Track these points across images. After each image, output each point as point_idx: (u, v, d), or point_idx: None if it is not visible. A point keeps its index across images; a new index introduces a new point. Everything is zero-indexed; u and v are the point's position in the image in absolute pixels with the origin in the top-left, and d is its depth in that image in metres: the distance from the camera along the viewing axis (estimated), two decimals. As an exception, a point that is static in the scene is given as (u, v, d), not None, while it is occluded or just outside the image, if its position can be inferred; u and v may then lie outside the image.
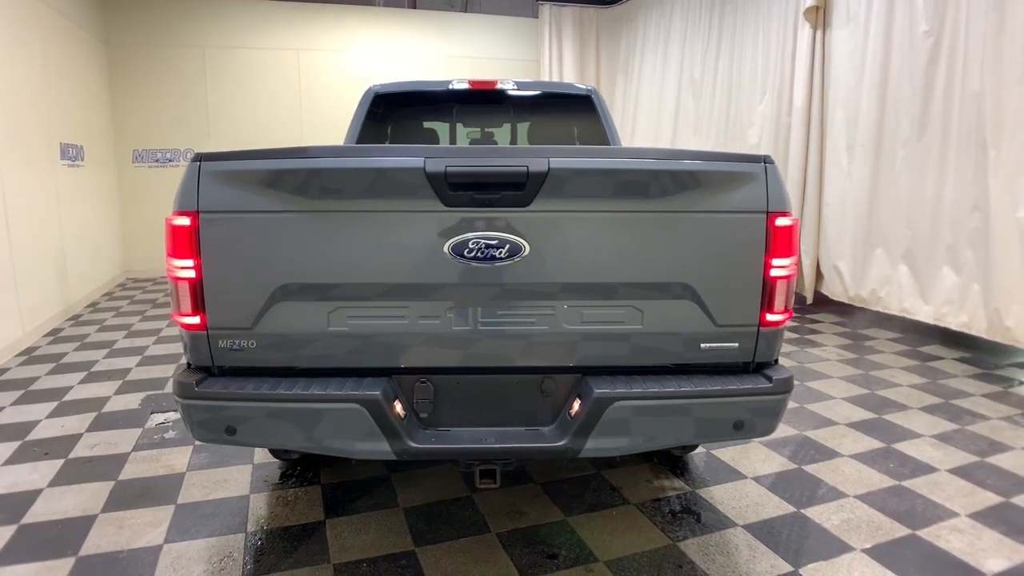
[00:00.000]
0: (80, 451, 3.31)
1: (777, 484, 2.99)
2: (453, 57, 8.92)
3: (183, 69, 8.03)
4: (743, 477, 3.06)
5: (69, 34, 6.58)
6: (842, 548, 2.50)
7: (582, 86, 4.17)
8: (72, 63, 6.68)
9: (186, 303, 1.96)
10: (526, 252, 1.95)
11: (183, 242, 1.93)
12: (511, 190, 1.91)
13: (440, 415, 2.10)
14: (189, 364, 2.10)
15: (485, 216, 1.93)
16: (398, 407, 2.00)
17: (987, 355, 4.96)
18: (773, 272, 2.07)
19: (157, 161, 8.05)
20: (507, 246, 1.94)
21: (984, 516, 2.72)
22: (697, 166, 2.01)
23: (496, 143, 4.29)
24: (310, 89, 8.52)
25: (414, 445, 1.97)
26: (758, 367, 2.18)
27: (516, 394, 2.13)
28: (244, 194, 1.92)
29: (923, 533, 2.61)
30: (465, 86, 3.97)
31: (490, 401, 2.14)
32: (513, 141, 4.24)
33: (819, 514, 2.74)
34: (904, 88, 5.11)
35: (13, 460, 3.21)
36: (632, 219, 2.00)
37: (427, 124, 4.28)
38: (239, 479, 3.01)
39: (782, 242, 2.06)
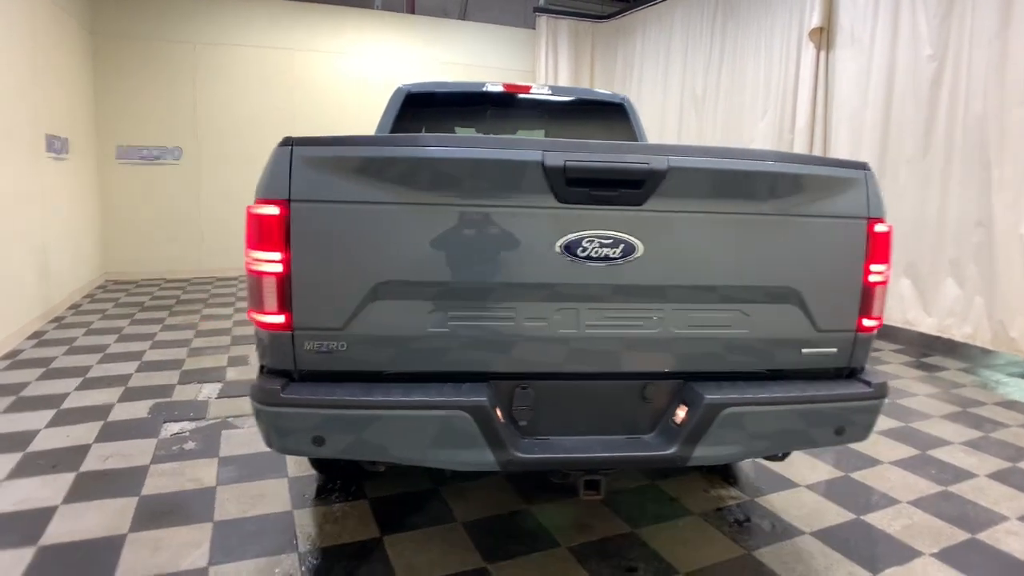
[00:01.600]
0: (92, 463, 3.06)
1: (830, 491, 2.98)
2: (449, 64, 8.84)
3: (172, 64, 7.70)
4: (796, 485, 3.03)
5: (56, 20, 6.23)
6: (912, 553, 2.50)
7: (615, 94, 4.15)
8: (59, 50, 6.33)
9: (271, 300, 1.80)
10: (639, 253, 1.88)
11: (271, 233, 1.77)
12: (628, 188, 1.84)
13: (539, 423, 1.99)
14: (263, 367, 1.94)
15: (600, 214, 1.85)
16: (499, 414, 1.90)
17: (987, 365, 5.11)
18: (871, 278, 2.06)
19: (142, 158, 7.68)
20: (622, 246, 1.86)
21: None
22: (807, 170, 1.99)
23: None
24: (304, 90, 8.30)
25: (520, 455, 1.86)
26: (851, 372, 2.16)
27: (617, 401, 2.05)
28: (341, 182, 1.78)
29: (982, 537, 2.63)
30: (499, 89, 3.91)
31: (590, 408, 2.04)
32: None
33: (879, 520, 2.74)
34: (908, 109, 5.27)
35: (17, 474, 2.94)
36: (743, 221, 1.96)
37: (459, 126, 4.19)
38: (277, 494, 2.82)
39: (880, 248, 2.06)
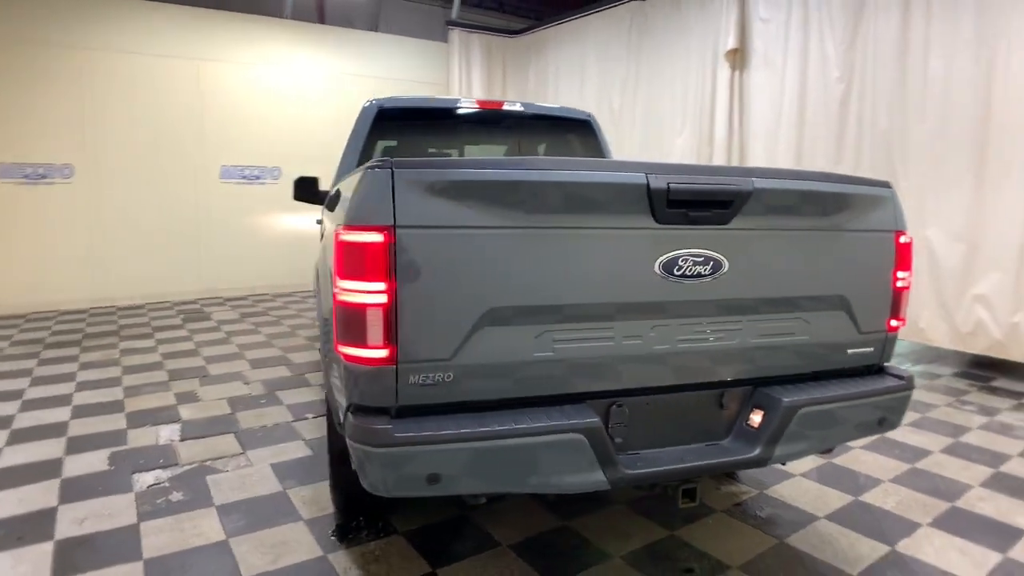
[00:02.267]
0: (67, 529, 2.68)
1: (823, 477, 3.23)
2: (362, 76, 8.59)
3: (57, 71, 6.84)
4: (792, 475, 3.26)
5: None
6: (912, 525, 2.78)
7: (581, 111, 4.27)
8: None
9: (375, 334, 1.70)
10: (725, 269, 1.97)
11: (375, 262, 1.68)
12: (719, 208, 1.94)
13: (631, 438, 2.02)
14: (351, 406, 1.81)
15: (694, 233, 1.93)
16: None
17: (899, 354, 5.73)
18: (899, 283, 2.30)
19: (26, 176, 6.76)
20: (711, 263, 1.95)
21: (989, 485, 3.17)
22: (853, 189, 2.19)
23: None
24: (213, 103, 7.72)
25: (627, 472, 1.88)
26: (880, 369, 2.38)
27: (697, 410, 2.12)
28: (446, 207, 1.72)
29: (960, 504, 2.97)
30: (473, 105, 3.90)
31: (674, 420, 2.10)
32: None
33: (875, 499, 3.01)
34: (819, 126, 5.82)
35: (-26, 552, 2.53)
36: (805, 236, 2.12)
37: (432, 143, 4.12)
38: (299, 539, 2.63)
39: (905, 257, 2.30)
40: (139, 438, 3.61)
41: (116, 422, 3.83)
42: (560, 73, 8.82)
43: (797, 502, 2.98)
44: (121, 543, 2.58)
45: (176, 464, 3.29)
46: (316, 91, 8.41)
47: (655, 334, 1.95)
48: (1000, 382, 4.92)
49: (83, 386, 4.48)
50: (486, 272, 1.77)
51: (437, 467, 1.71)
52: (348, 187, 1.98)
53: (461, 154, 4.19)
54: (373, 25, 9.14)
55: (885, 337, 2.33)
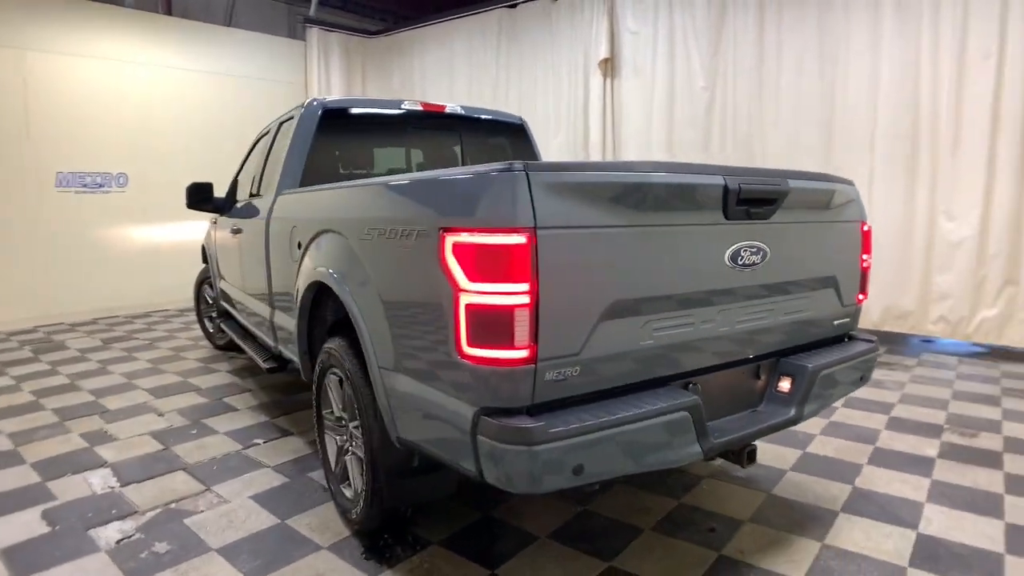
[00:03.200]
0: (39, 605, 2.27)
1: (771, 438, 3.69)
2: (215, 75, 7.86)
3: None
4: (745, 439, 3.69)
5: None
6: (857, 466, 3.29)
7: (515, 115, 4.40)
8: None
9: (521, 334, 1.71)
10: (769, 257, 2.25)
11: (520, 263, 1.69)
12: (767, 205, 2.21)
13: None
14: (484, 409, 1.78)
15: (749, 227, 2.18)
16: None
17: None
18: (864, 264, 2.76)
19: None
20: (761, 253, 2.21)
21: (891, 428, 3.85)
22: (840, 188, 2.58)
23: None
24: (42, 100, 6.56)
25: (713, 441, 2.07)
26: (850, 336, 2.83)
27: (741, 383, 2.38)
28: (575, 208, 1.79)
29: (880, 445, 3.58)
30: (418, 108, 3.86)
31: (726, 393, 2.33)
32: (462, 164, 4.20)
33: (818, 448, 3.53)
34: (687, 130, 6.52)
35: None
36: (812, 227, 2.47)
37: (377, 144, 3.97)
38: (334, 568, 2.45)
39: (868, 242, 2.77)
40: (67, 490, 3.07)
41: (24, 476, 3.21)
42: (427, 76, 8.82)
43: (763, 460, 3.39)
44: (124, 609, 2.24)
45: (136, 512, 2.87)
46: (163, 89, 7.55)
47: (721, 317, 2.17)
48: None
49: (-51, 439, 3.68)
50: (608, 268, 1.86)
51: (582, 458, 1.76)
52: (447, 189, 1.94)
53: (408, 157, 4.11)
54: (225, 19, 8.41)
55: (856, 309, 2.78)
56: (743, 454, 2.31)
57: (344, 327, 2.67)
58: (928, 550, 2.53)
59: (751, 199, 2.14)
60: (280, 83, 8.60)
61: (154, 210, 7.62)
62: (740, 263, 2.16)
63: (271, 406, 4.27)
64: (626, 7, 6.89)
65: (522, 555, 2.53)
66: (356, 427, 2.61)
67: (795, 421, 2.37)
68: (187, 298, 8.00)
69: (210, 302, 5.83)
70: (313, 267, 2.78)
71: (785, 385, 2.42)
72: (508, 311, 1.70)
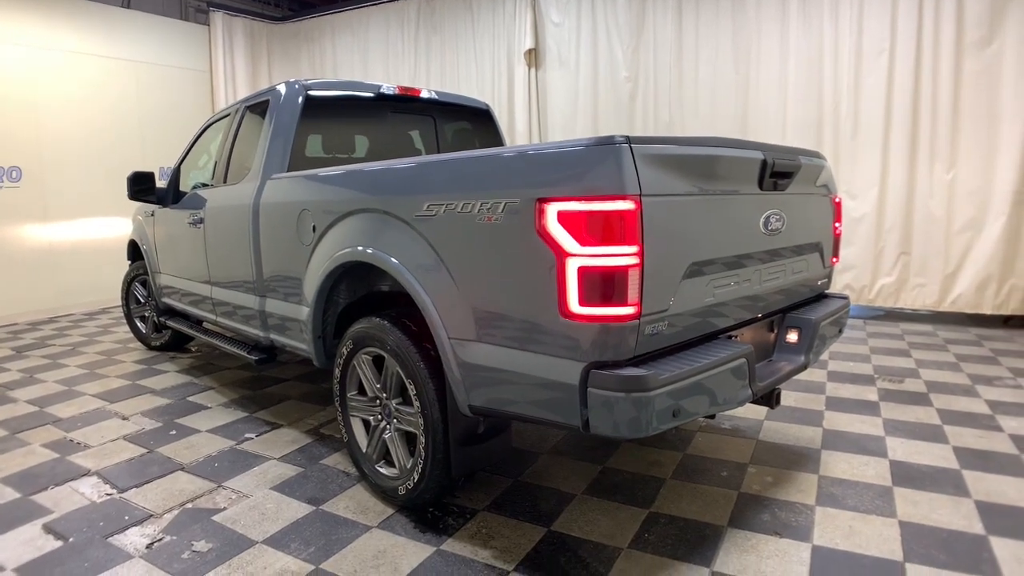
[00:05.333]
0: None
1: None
2: (111, 59, 7.18)
3: None
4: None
5: None
6: (818, 412, 3.75)
7: (481, 101, 4.48)
8: None
9: (632, 293, 1.87)
10: (786, 223, 2.55)
11: (630, 227, 1.85)
12: (786, 178, 2.50)
13: None
14: (593, 364, 1.90)
15: (773, 197, 2.47)
16: None
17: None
18: (836, 231, 3.16)
19: None
20: (782, 220, 2.51)
21: (832, 379, 4.38)
22: (826, 166, 2.94)
23: (421, 150, 4.19)
24: None
25: (755, 386, 2.34)
26: (824, 294, 3.23)
27: (760, 335, 2.67)
28: (667, 177, 1.98)
29: (830, 394, 4.08)
30: (395, 91, 3.86)
31: (751, 344, 2.61)
32: (437, 147, 4.22)
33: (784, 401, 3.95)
34: (611, 119, 6.87)
35: None
36: (807, 198, 2.81)
37: (357, 127, 3.90)
38: (395, 544, 2.45)
39: (839, 212, 3.17)
40: (59, 502, 2.82)
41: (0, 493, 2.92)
42: (339, 63, 8.61)
43: (737, 413, 3.76)
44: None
45: (152, 515, 2.70)
46: (55, 75, 6.83)
47: (755, 276, 2.44)
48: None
49: None
50: (689, 232, 2.06)
51: (679, 401, 1.95)
52: (544, 162, 2.01)
53: (385, 139, 4.07)
54: (122, 1, 7.69)
55: (831, 270, 3.17)
56: (772, 396, 2.61)
57: (368, 307, 2.68)
58: (903, 473, 2.97)
59: (778, 172, 2.42)
60: (184, 70, 8.03)
61: (53, 207, 6.90)
62: (769, 228, 2.44)
63: (244, 401, 4.10)
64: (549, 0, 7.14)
65: (569, 511, 2.68)
66: (400, 403, 2.64)
67: (804, 367, 2.70)
68: (95, 301, 7.39)
69: (142, 301, 5.42)
70: (339, 249, 2.75)
71: (793, 336, 2.75)
72: (623, 271, 1.85)
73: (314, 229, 2.94)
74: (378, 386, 2.73)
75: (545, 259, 1.93)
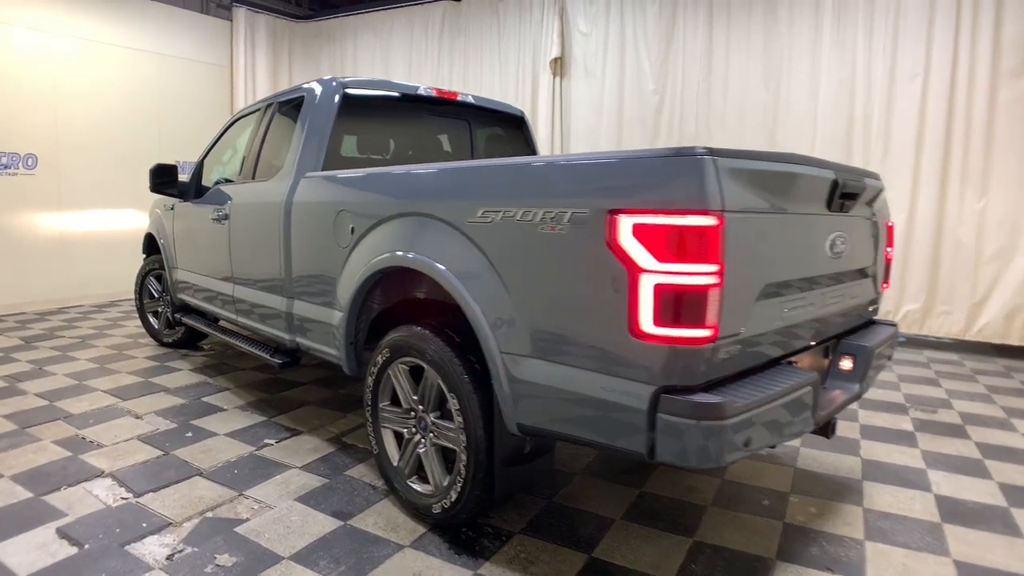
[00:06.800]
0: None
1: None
2: (130, 49, 7.09)
3: None
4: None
5: None
6: (855, 442, 3.66)
7: (516, 107, 4.39)
8: None
9: (712, 313, 1.76)
10: (848, 246, 2.45)
11: (712, 244, 1.74)
12: (851, 199, 2.40)
13: None
14: (660, 389, 1.79)
15: (840, 219, 2.37)
16: None
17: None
18: (888, 256, 3.06)
19: None
20: (846, 242, 2.41)
21: (864, 406, 4.28)
22: (880, 186, 2.85)
23: (451, 153, 4.09)
24: None
25: (819, 414, 2.23)
26: (873, 321, 3.13)
27: (815, 363, 2.56)
28: (747, 193, 1.87)
29: (863, 422, 3.98)
30: (432, 93, 3.77)
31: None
32: (471, 152, 4.12)
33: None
34: (636, 130, 6.79)
35: None
36: (868, 222, 2.71)
37: (394, 128, 3.81)
38: (430, 566, 2.35)
39: (891, 237, 3.07)
40: (74, 504, 2.70)
41: (9, 491, 2.78)
42: (359, 64, 8.53)
43: (772, 438, 3.65)
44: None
45: (171, 524, 2.58)
46: (78, 64, 6.74)
47: (818, 299, 2.33)
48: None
49: None
50: (765, 252, 1.95)
51: (751, 430, 1.84)
52: (618, 171, 1.91)
53: (420, 141, 3.97)
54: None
55: (880, 296, 3.07)
56: (829, 426, 2.50)
57: (402, 316, 2.57)
58: (950, 508, 2.86)
59: (846, 193, 2.32)
60: (205, 64, 7.94)
61: (67, 196, 6.78)
62: (834, 251, 2.33)
63: (261, 404, 3.98)
64: (577, 9, 7.07)
65: (609, 537, 2.56)
66: (438, 417, 2.53)
67: (859, 396, 2.59)
68: (105, 293, 7.25)
69: (156, 296, 5.30)
70: (380, 253, 2.65)
71: (847, 364, 2.63)
72: (703, 291, 1.74)
73: (352, 231, 2.83)
74: (415, 398, 2.62)
75: (615, 274, 1.83)
